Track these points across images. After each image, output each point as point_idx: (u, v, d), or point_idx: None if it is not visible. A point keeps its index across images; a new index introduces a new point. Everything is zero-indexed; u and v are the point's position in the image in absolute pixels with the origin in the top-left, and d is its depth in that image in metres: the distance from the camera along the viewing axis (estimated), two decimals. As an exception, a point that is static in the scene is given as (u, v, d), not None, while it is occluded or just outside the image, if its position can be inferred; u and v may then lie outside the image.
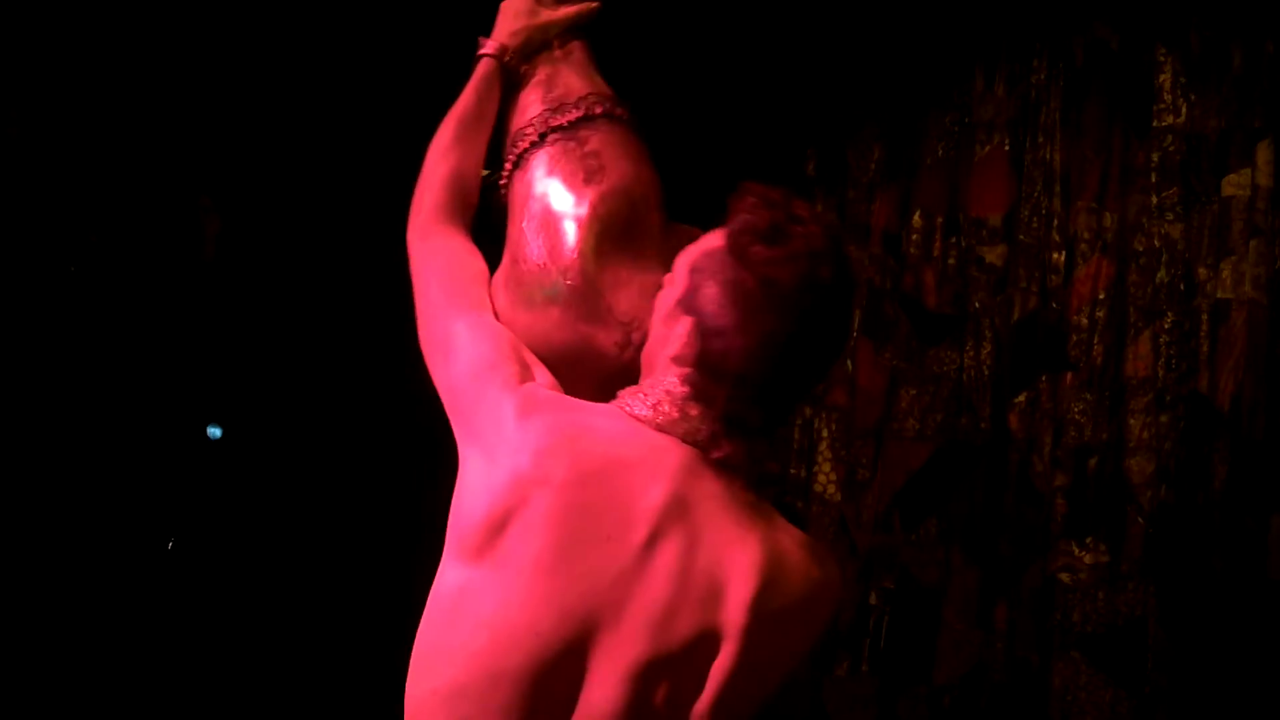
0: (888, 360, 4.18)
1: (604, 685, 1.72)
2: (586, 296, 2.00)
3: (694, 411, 1.82)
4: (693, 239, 1.95)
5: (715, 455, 1.81)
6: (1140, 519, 3.72)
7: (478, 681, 1.72)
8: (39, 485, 3.99)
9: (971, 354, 4.09)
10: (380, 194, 4.63)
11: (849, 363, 4.19)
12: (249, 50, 4.25)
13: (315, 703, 4.53)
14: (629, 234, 2.05)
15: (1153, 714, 3.61)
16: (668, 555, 1.75)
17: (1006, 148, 4.16)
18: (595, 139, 2.12)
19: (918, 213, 4.28)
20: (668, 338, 1.86)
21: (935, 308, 4.17)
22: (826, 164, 4.50)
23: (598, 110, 2.16)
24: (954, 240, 4.21)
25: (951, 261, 4.20)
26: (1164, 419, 3.74)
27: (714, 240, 1.86)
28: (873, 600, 4.10)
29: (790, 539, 1.85)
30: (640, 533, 1.76)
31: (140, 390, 4.23)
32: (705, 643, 1.74)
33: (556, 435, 1.80)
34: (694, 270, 1.86)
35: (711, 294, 1.81)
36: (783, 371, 1.81)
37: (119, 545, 4.22)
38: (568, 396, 1.89)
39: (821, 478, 4.23)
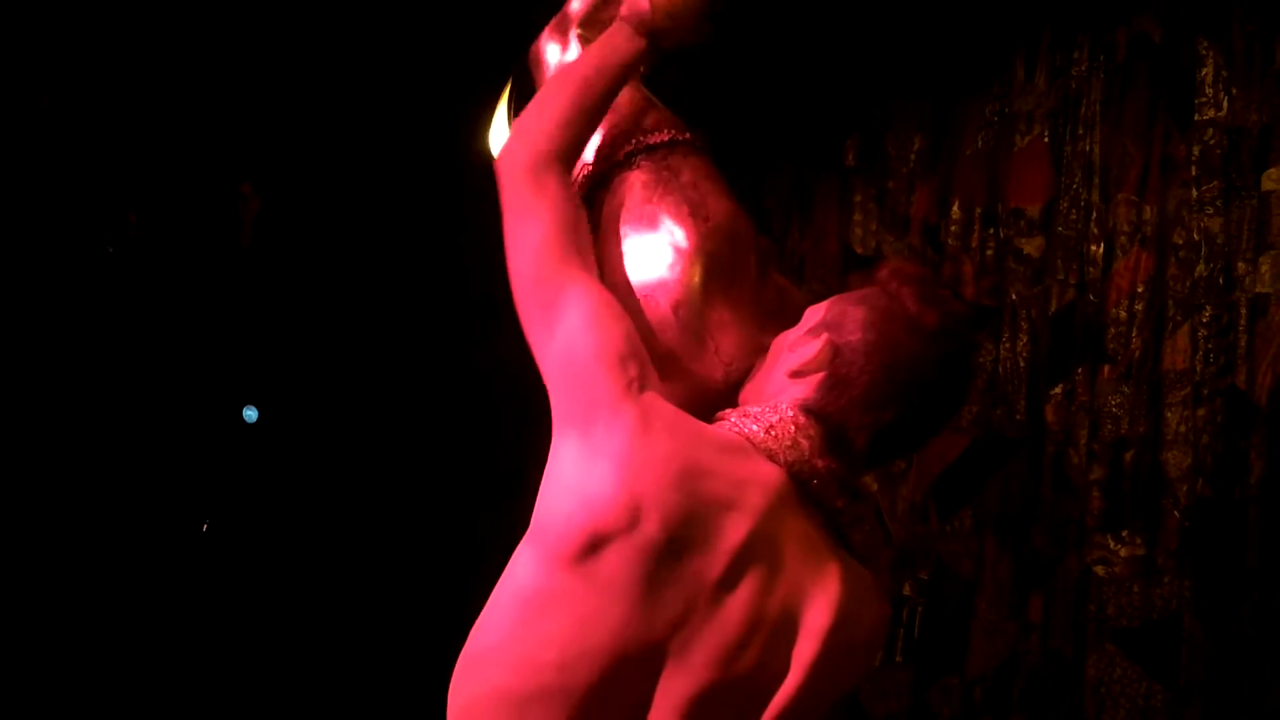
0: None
1: (664, 713, 1.73)
2: (692, 331, 1.97)
3: (805, 442, 1.81)
4: (783, 284, 2.02)
5: (815, 485, 1.81)
6: (1176, 512, 3.71)
7: (538, 694, 1.70)
8: (76, 465, 4.02)
9: (1008, 346, 4.09)
10: (416, 181, 4.67)
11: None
12: (292, 37, 4.27)
13: (345, 687, 4.55)
14: (730, 274, 2.02)
15: (1187, 707, 3.60)
16: (746, 591, 1.74)
17: (1046, 139, 4.15)
18: (687, 170, 2.08)
19: (957, 203, 4.28)
20: (790, 359, 1.87)
21: (973, 299, 4.16)
22: (866, 154, 4.50)
23: (684, 137, 2.13)
24: (992, 231, 4.20)
25: (990, 253, 4.19)
26: (1201, 413, 3.72)
27: (860, 283, 1.92)
28: (907, 591, 4.11)
29: (857, 576, 1.85)
30: (725, 569, 1.75)
31: (177, 372, 4.26)
32: (771, 673, 1.75)
33: (677, 468, 1.75)
34: (837, 302, 1.90)
35: (856, 316, 1.84)
36: (901, 409, 1.83)
37: (156, 526, 4.25)
38: (683, 414, 1.83)
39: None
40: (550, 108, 2.01)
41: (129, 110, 4.05)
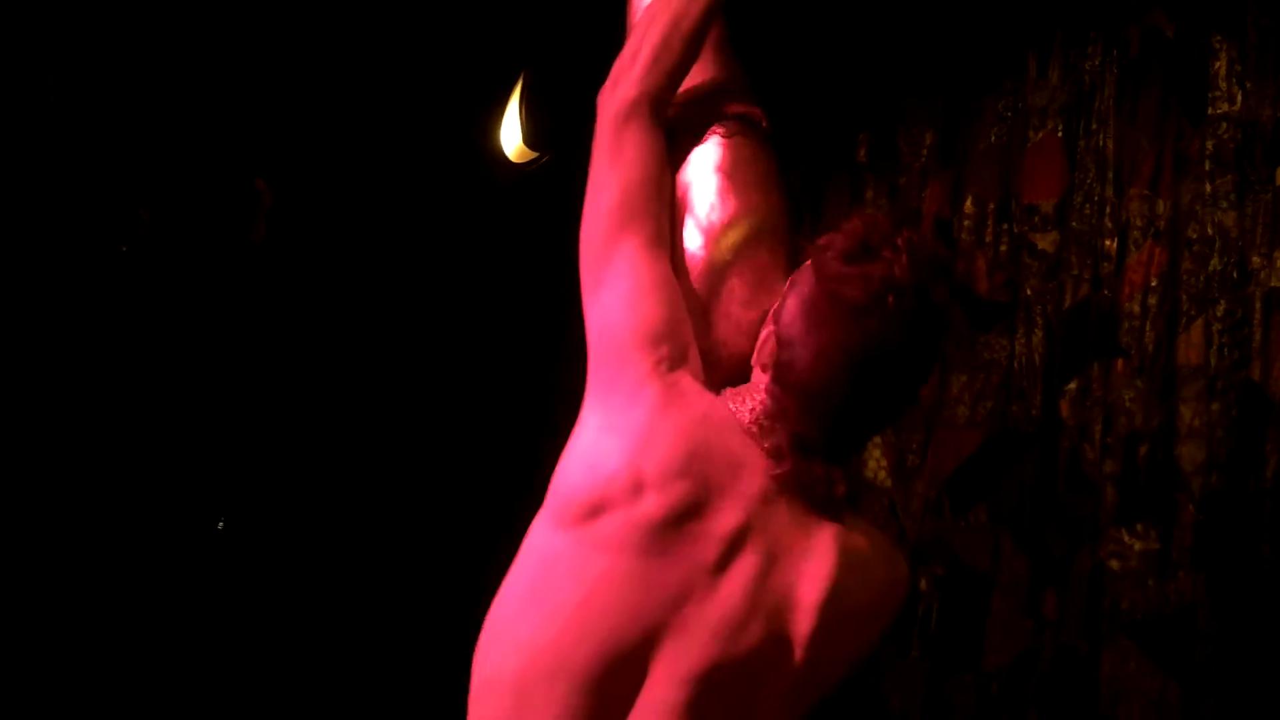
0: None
1: (663, 686, 1.73)
2: (700, 304, 1.97)
3: (771, 428, 1.83)
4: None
5: (776, 471, 1.81)
6: (1191, 507, 3.70)
7: (541, 676, 1.74)
8: (90, 463, 4.03)
9: (1023, 341, 4.09)
10: (429, 176, 4.68)
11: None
12: (303, 31, 4.28)
13: (361, 684, 4.56)
14: (747, 266, 2.00)
15: (1201, 702, 3.59)
16: (743, 572, 1.76)
17: (1060, 134, 4.15)
18: (743, 148, 2.06)
19: (970, 199, 4.28)
20: (759, 344, 1.89)
21: (987, 294, 4.16)
22: (878, 149, 4.51)
23: (755, 116, 2.11)
24: (1006, 227, 4.20)
25: (1003, 248, 4.19)
26: (1215, 407, 3.72)
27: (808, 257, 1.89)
28: (922, 586, 4.11)
29: (863, 541, 1.87)
30: (722, 551, 1.77)
31: (188, 369, 4.27)
32: (772, 650, 1.77)
33: (684, 451, 1.78)
34: (789, 284, 1.89)
35: (791, 305, 1.84)
36: (845, 393, 1.80)
37: (169, 523, 4.26)
38: (704, 394, 1.85)
39: (872, 464, 4.24)
40: (641, 47, 1.99)
41: (140, 107, 4.06)
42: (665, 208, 1.94)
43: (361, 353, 4.68)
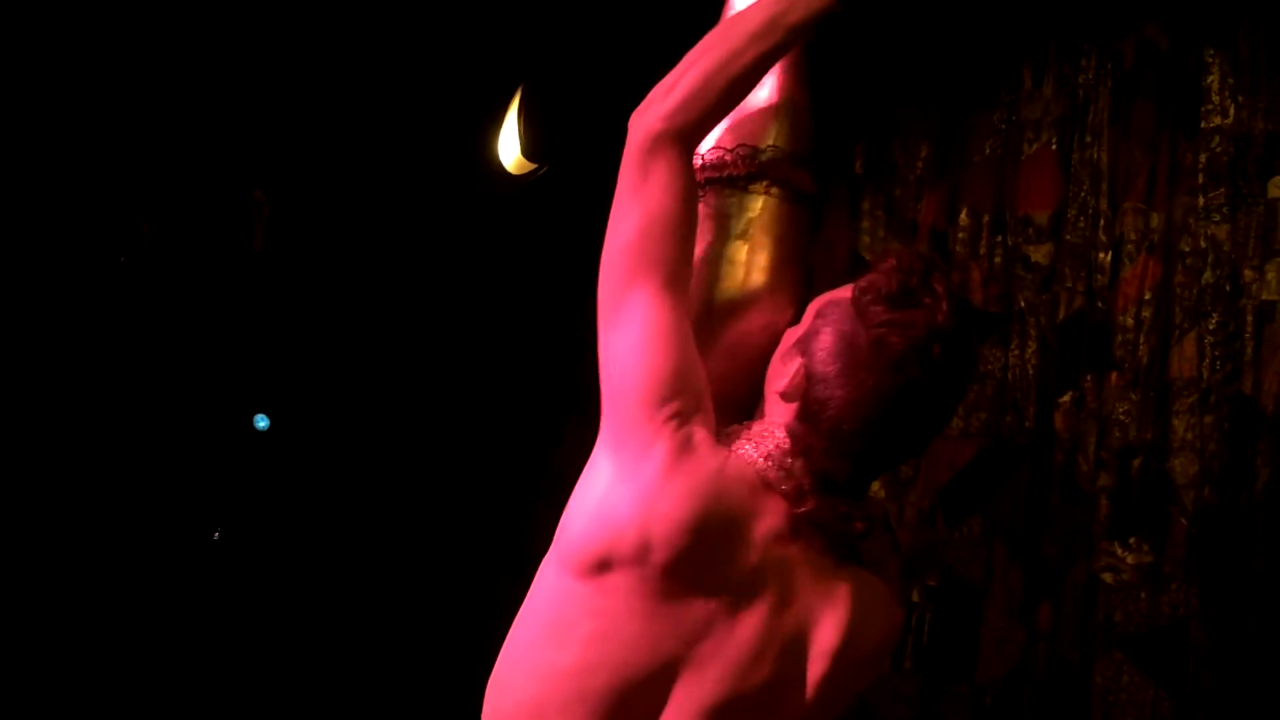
0: (933, 358, 4.17)
1: (681, 717, 1.75)
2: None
3: (791, 467, 1.82)
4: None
5: (800, 510, 1.82)
6: (1183, 519, 3.71)
7: (557, 702, 1.75)
8: (89, 473, 4.04)
9: (1017, 353, 4.09)
10: (428, 187, 4.69)
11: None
12: (302, 43, 4.29)
13: (363, 697, 4.57)
14: (723, 326, 1.99)
15: (1194, 715, 3.60)
16: (757, 614, 1.79)
17: (1054, 147, 4.15)
18: (783, 211, 2.02)
19: (965, 211, 4.28)
20: (781, 373, 1.88)
21: (981, 306, 4.17)
22: (874, 161, 4.51)
23: (803, 182, 2.05)
24: (1000, 239, 4.21)
25: (998, 260, 4.20)
26: (1208, 420, 3.73)
27: (844, 291, 1.88)
28: (915, 598, 4.11)
29: (869, 589, 1.90)
30: (738, 591, 1.79)
31: (188, 380, 4.29)
32: (785, 688, 1.81)
33: (696, 507, 1.77)
34: (817, 315, 1.89)
35: (825, 341, 1.84)
36: (878, 435, 1.82)
37: (168, 535, 4.27)
38: (715, 448, 1.82)
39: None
40: (686, 77, 1.88)
41: (140, 119, 4.07)
42: (685, 247, 1.88)
43: (359, 363, 4.69)
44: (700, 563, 1.77)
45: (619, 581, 1.76)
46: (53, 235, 3.91)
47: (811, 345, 1.85)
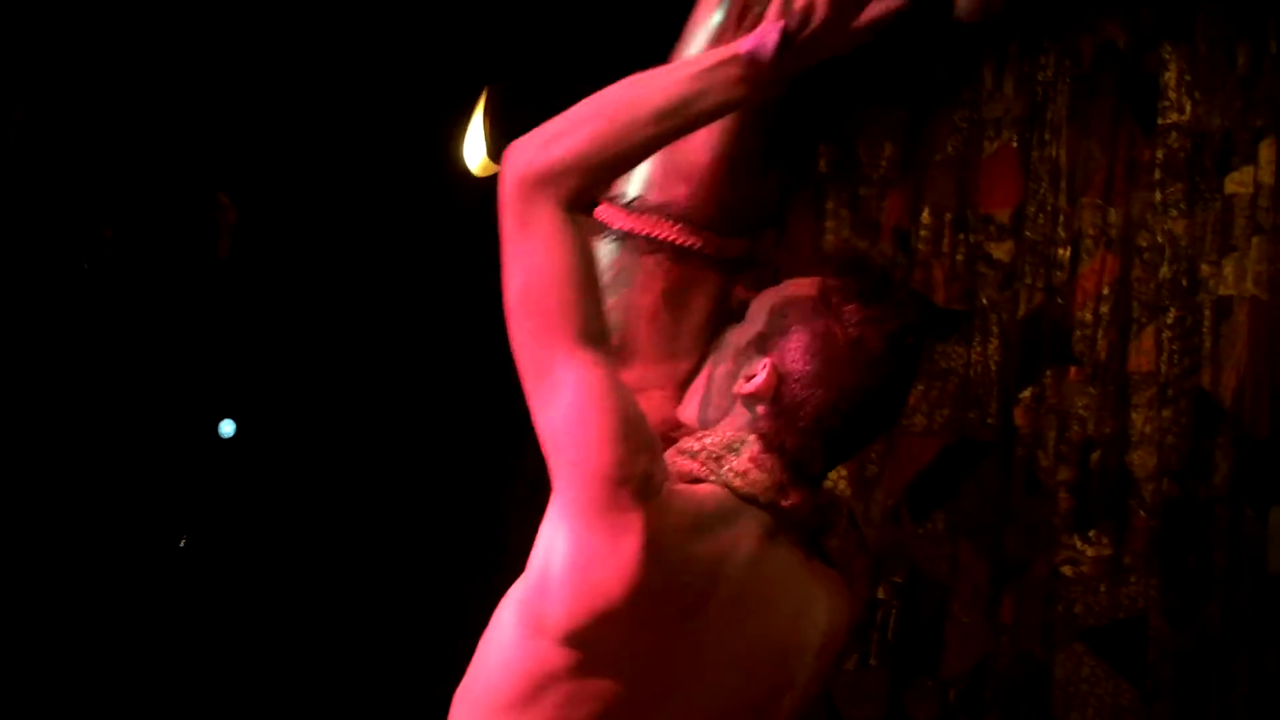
0: (897, 356, 4.19)
1: None
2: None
3: (772, 477, 1.80)
4: None
5: (784, 505, 1.80)
6: (1143, 512, 3.75)
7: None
8: (51, 482, 4.03)
9: (979, 350, 4.12)
10: (394, 190, 4.70)
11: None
12: (266, 46, 4.30)
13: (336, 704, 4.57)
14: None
15: (1154, 705, 3.63)
16: (742, 632, 1.79)
17: (1014, 145, 4.19)
18: (695, 282, 1.95)
19: (927, 209, 4.30)
20: (737, 374, 1.85)
21: (944, 304, 4.19)
22: (838, 161, 4.53)
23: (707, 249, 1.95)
24: (963, 237, 4.23)
25: (960, 258, 4.22)
26: (1167, 413, 3.76)
27: (802, 289, 1.85)
28: (881, 594, 4.14)
29: (832, 583, 1.91)
30: (719, 623, 1.77)
31: (153, 387, 4.28)
32: (769, 695, 1.84)
33: (676, 567, 1.71)
34: (776, 313, 1.85)
35: (798, 341, 1.80)
36: (851, 427, 1.82)
37: (131, 542, 4.26)
38: (687, 501, 1.75)
39: (832, 474, 4.26)
40: (574, 134, 1.72)
41: (103, 123, 4.08)
42: (587, 292, 1.72)
43: (325, 368, 4.68)
44: (689, 609, 1.76)
45: (602, 646, 1.75)
46: (13, 241, 3.91)
47: (780, 345, 1.82)
